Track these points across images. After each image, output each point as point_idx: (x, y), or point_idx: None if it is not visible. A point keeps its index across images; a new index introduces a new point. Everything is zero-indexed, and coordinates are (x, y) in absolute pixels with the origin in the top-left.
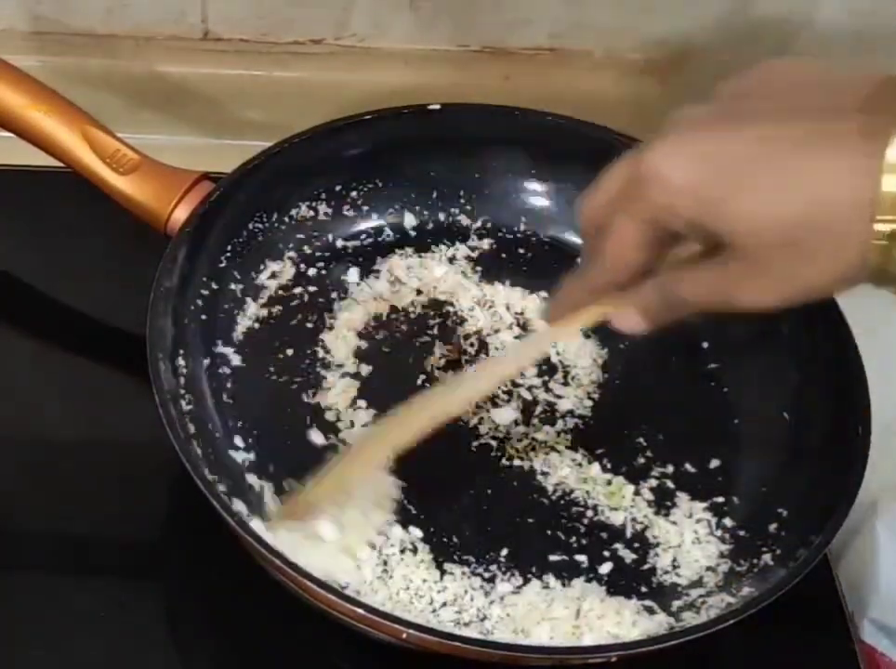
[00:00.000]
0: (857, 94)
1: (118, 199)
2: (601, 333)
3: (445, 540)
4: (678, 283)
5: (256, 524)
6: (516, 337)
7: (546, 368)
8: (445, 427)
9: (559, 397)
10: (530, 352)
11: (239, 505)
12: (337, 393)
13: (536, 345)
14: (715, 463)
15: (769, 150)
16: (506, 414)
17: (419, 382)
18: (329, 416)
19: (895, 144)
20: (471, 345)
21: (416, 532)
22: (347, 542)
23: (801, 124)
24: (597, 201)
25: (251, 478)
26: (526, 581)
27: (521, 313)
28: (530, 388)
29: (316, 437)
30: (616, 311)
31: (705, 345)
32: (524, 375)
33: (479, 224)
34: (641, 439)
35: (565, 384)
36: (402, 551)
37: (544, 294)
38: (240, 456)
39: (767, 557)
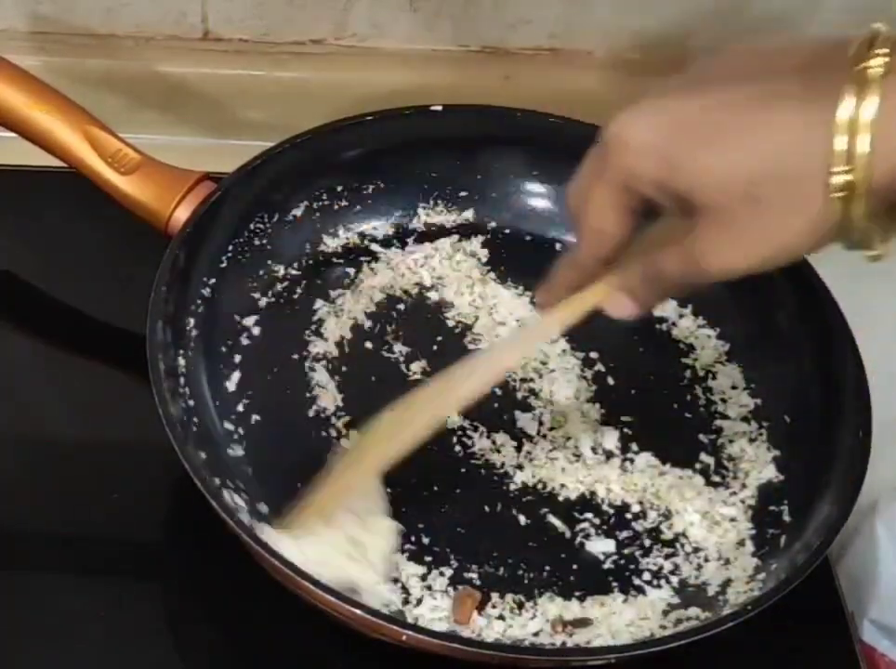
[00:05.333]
0: (793, 59)
1: (119, 199)
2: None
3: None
4: (656, 257)
5: (266, 530)
6: None
7: None
8: None
9: None
10: (522, 346)
11: (239, 505)
12: (336, 394)
13: (528, 337)
14: (714, 467)
15: (724, 109)
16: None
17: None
18: (329, 417)
19: (844, 104)
20: (472, 345)
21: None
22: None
23: (752, 87)
24: (577, 181)
25: (251, 478)
26: None
27: (522, 316)
28: None
29: (315, 438)
30: (607, 297)
31: (703, 344)
32: None
33: (480, 225)
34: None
35: None
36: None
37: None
38: (239, 456)
39: (768, 560)
